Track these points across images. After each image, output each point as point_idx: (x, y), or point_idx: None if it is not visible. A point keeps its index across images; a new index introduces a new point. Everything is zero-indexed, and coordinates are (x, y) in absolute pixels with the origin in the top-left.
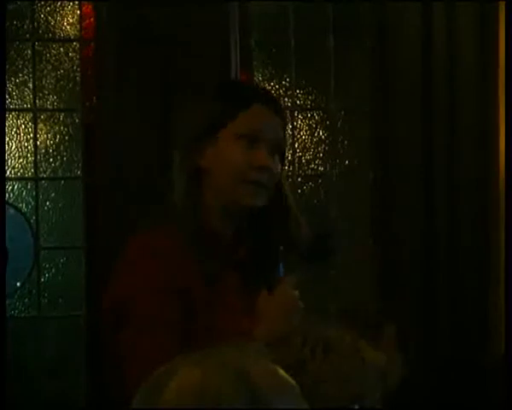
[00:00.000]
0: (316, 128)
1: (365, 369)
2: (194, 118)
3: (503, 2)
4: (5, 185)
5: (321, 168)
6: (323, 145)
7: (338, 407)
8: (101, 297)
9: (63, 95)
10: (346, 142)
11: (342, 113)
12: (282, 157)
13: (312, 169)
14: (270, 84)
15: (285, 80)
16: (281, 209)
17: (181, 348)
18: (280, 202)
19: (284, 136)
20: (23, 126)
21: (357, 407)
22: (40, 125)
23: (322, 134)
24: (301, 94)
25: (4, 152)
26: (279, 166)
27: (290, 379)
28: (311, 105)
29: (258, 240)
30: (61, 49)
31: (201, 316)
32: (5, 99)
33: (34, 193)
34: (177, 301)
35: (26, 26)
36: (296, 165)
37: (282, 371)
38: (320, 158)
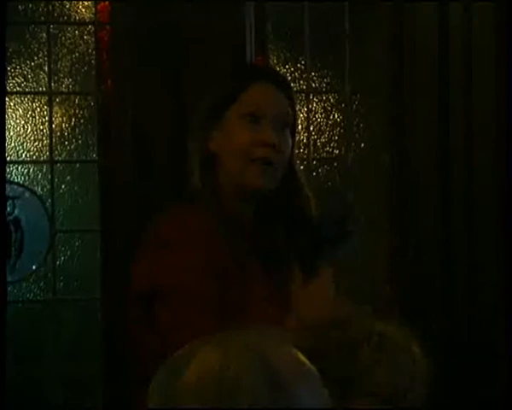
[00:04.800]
0: (331, 111)
1: (415, 367)
2: (201, 104)
3: None
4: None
5: (336, 151)
6: (339, 128)
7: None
8: (130, 278)
9: (78, 78)
10: (361, 125)
11: (358, 95)
12: (293, 132)
13: (327, 152)
14: (285, 67)
15: (300, 63)
16: (292, 189)
17: (218, 325)
18: (292, 180)
19: (292, 110)
20: (38, 110)
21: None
22: (55, 109)
23: (338, 117)
24: (316, 77)
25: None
26: (289, 142)
27: (311, 365)
28: (326, 88)
29: (276, 226)
30: (77, 32)
31: (232, 297)
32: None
33: (49, 176)
34: (214, 278)
35: (41, 9)
36: (311, 148)
37: (302, 357)
38: (335, 141)
